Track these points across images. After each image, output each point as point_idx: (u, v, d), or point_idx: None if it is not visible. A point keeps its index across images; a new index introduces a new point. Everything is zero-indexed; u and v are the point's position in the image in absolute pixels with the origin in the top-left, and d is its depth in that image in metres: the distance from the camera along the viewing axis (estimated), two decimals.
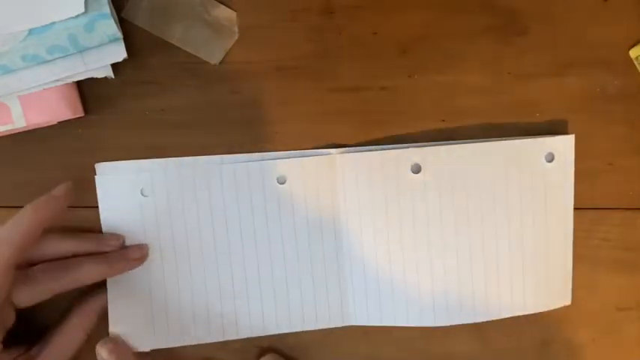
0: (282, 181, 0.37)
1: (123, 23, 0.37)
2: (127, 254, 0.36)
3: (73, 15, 0.33)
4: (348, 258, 0.37)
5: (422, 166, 0.36)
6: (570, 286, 0.38)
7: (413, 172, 0.36)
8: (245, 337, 0.37)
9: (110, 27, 0.34)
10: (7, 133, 0.37)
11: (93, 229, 0.38)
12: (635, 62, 0.37)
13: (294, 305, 0.37)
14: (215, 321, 0.37)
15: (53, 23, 0.34)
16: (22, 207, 0.33)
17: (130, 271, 0.37)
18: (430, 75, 0.38)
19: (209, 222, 0.37)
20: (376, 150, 0.37)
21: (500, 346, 0.38)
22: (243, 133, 0.38)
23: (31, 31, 0.34)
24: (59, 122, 0.37)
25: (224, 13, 0.37)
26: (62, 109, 0.36)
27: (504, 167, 0.37)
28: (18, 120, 0.36)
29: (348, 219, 0.37)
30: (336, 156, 0.37)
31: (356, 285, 0.37)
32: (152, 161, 0.37)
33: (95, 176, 0.37)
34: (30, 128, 0.37)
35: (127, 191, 0.37)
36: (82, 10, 0.33)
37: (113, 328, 0.37)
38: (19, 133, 0.37)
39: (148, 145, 0.38)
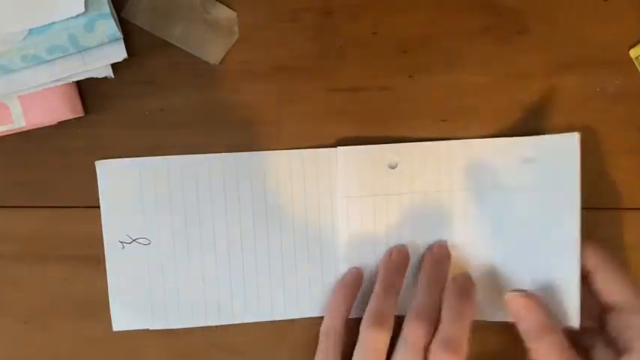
0: (283, 175, 0.38)
1: (123, 23, 0.37)
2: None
3: (73, 15, 0.33)
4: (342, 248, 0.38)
5: (397, 162, 0.37)
6: (577, 309, 0.35)
7: (391, 167, 0.37)
8: (241, 322, 0.38)
9: (110, 27, 0.34)
10: (7, 133, 0.37)
11: (93, 228, 0.38)
12: (635, 62, 0.37)
13: (289, 293, 0.38)
14: (212, 305, 0.38)
15: (53, 23, 0.34)
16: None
17: (130, 261, 0.38)
18: (430, 75, 0.38)
19: (209, 215, 0.38)
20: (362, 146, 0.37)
21: (499, 347, 0.38)
22: (243, 133, 0.38)
23: (31, 31, 0.34)
24: (59, 122, 0.37)
25: (224, 13, 0.37)
26: (62, 109, 0.36)
27: (487, 164, 0.37)
28: (18, 120, 0.36)
29: (342, 212, 0.38)
30: (333, 150, 0.37)
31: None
32: (152, 159, 0.37)
33: (97, 174, 0.37)
34: (30, 128, 0.37)
35: (128, 188, 0.37)
36: (82, 10, 0.33)
37: (114, 306, 0.38)
38: (19, 133, 0.37)
39: (147, 144, 0.38)
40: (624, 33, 0.37)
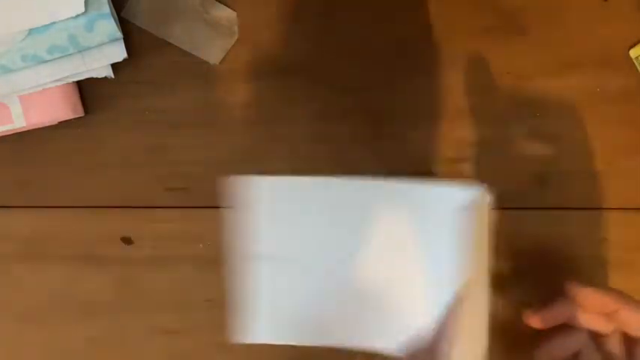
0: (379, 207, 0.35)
1: (123, 23, 0.37)
2: None
3: (73, 15, 0.33)
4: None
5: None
6: None
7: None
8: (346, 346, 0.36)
9: (110, 27, 0.34)
10: (7, 133, 0.37)
11: (93, 228, 0.38)
12: (635, 62, 0.37)
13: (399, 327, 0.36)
14: (328, 326, 0.36)
15: (53, 23, 0.34)
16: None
17: (258, 275, 0.36)
18: (430, 75, 0.38)
19: (334, 237, 0.36)
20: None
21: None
22: (243, 133, 0.38)
23: (31, 31, 0.34)
24: (59, 122, 0.37)
25: (224, 13, 0.37)
26: (62, 109, 0.36)
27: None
28: (18, 120, 0.36)
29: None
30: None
31: None
32: (286, 179, 0.35)
33: (232, 189, 0.35)
34: (30, 128, 0.37)
35: (261, 204, 0.36)
36: (82, 10, 0.33)
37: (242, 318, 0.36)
38: (19, 133, 0.37)
39: (147, 144, 0.38)
40: (624, 33, 0.37)
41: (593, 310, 0.33)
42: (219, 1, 0.37)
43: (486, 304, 0.34)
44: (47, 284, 0.38)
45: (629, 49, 0.37)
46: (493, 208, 0.34)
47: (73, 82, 0.36)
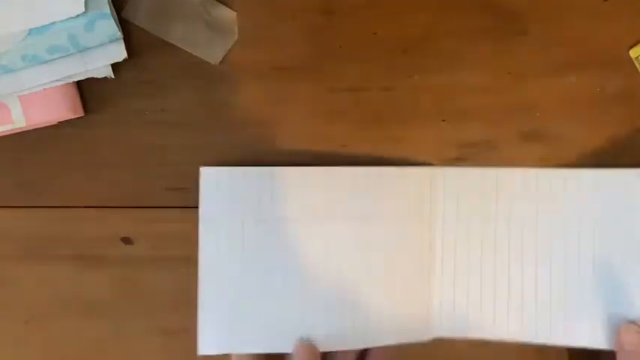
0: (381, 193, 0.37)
1: (123, 23, 0.37)
2: None
3: (73, 15, 0.33)
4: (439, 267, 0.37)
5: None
6: None
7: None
8: (336, 349, 0.36)
9: (110, 27, 0.34)
10: (7, 133, 0.37)
11: (93, 228, 0.38)
12: (635, 62, 0.37)
13: (376, 318, 0.36)
14: (306, 331, 0.36)
15: (53, 23, 0.34)
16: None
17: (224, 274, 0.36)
18: (430, 75, 0.38)
19: (314, 229, 0.36)
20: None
21: (500, 346, 0.38)
22: (243, 133, 0.38)
23: (31, 31, 0.34)
24: (59, 122, 0.37)
25: (224, 13, 0.37)
26: (62, 109, 0.36)
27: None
28: (18, 120, 0.36)
29: (442, 230, 0.37)
30: (435, 171, 0.37)
31: (444, 296, 0.37)
32: (256, 169, 0.36)
33: (201, 177, 0.36)
34: (30, 128, 0.37)
35: (230, 197, 0.36)
36: (82, 10, 0.33)
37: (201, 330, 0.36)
38: (19, 133, 0.37)
39: (147, 144, 0.38)
40: (624, 33, 0.37)
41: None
42: (219, 1, 0.37)
43: None
44: (47, 284, 0.38)
45: (629, 49, 0.37)
46: None
47: (73, 82, 0.36)
